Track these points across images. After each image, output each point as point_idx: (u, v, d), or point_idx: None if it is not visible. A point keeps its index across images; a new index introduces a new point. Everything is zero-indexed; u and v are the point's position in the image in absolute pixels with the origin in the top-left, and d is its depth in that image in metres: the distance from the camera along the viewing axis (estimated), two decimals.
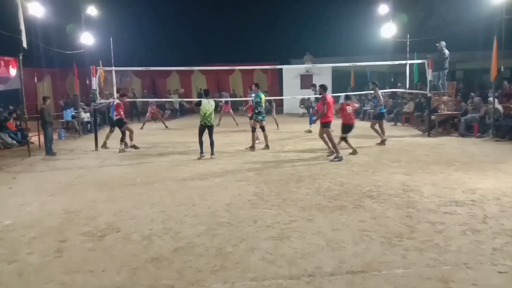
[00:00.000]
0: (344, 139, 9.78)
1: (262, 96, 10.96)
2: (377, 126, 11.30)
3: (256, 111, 10.72)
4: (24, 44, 10.41)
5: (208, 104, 9.61)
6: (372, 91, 11.83)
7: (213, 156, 9.63)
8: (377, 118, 11.51)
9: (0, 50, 12.28)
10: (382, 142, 11.03)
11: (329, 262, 4.04)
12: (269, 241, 4.58)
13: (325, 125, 9.27)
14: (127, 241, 4.72)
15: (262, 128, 10.83)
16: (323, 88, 9.47)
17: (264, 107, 11.00)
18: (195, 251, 4.37)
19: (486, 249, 4.24)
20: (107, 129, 16.99)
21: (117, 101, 11.46)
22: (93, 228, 5.16)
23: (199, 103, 9.69)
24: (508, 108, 11.94)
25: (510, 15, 11.38)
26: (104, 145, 11.68)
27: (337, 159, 8.99)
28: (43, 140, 11.26)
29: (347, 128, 9.76)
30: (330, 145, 9.38)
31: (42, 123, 10.96)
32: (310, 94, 18.45)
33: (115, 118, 11.26)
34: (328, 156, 9.48)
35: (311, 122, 13.52)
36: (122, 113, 11.22)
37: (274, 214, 5.52)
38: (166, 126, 17.15)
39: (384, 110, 12.01)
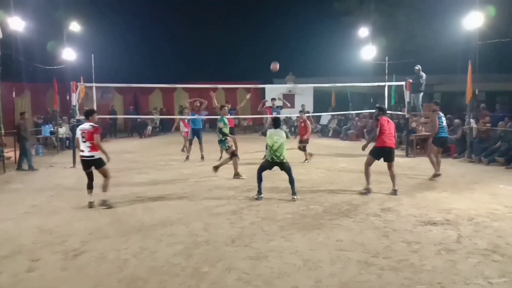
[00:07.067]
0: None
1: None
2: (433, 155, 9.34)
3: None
4: None
5: (275, 135, 7.45)
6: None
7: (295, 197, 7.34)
8: (437, 144, 9.31)
9: None
10: (435, 176, 9.13)
11: (305, 282, 4.04)
12: (246, 261, 4.56)
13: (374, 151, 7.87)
14: (101, 260, 4.63)
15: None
16: (380, 109, 8.10)
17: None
18: (170, 271, 4.32)
19: (460, 269, 4.30)
20: None
21: (88, 125, 6.91)
22: (67, 247, 5.05)
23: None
24: (481, 130, 12.30)
25: (483, 41, 11.83)
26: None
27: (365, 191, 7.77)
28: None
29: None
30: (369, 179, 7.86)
31: (18, 138, 10.84)
32: (292, 113, 18.68)
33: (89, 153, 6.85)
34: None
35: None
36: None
37: (253, 233, 5.50)
38: None
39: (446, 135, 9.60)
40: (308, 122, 12.00)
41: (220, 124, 9.39)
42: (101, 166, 6.92)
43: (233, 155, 9.35)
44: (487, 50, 13.54)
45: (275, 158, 7.39)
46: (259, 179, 7.46)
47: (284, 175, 7.52)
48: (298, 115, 12.37)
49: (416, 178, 9.25)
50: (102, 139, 14.54)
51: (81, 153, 6.92)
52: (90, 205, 6.90)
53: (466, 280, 4.05)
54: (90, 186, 6.98)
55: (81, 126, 7.03)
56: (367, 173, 7.83)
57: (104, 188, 6.93)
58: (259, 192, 7.42)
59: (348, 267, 4.37)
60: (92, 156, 6.85)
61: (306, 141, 11.77)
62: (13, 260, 4.67)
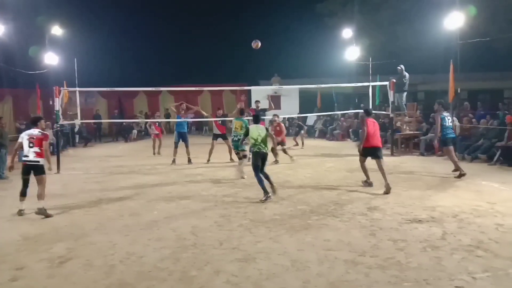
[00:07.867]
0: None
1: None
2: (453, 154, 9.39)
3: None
4: None
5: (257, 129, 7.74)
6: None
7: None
8: (448, 145, 9.34)
9: None
10: (460, 175, 9.05)
11: (293, 282, 4.05)
12: (234, 263, 4.55)
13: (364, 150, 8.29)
14: (88, 267, 4.58)
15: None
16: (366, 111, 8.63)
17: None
18: (158, 276, 4.29)
19: (445, 265, 4.37)
20: (70, 151, 16.68)
21: (37, 131, 6.98)
22: (53, 254, 4.97)
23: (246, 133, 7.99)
24: (463, 128, 12.51)
25: (464, 41, 12.05)
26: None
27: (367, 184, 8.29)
28: None
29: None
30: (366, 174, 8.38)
31: None
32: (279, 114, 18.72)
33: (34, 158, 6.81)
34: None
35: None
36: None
37: (241, 235, 5.50)
38: None
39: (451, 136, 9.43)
40: (283, 125, 12.20)
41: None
42: (42, 173, 6.85)
43: (243, 157, 9.57)
44: (468, 50, 13.78)
45: (261, 148, 7.60)
46: (260, 181, 7.47)
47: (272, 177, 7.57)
48: (271, 118, 12.47)
49: (401, 177, 9.35)
50: (86, 144, 14.56)
51: (25, 158, 6.82)
52: (20, 213, 6.75)
53: (451, 276, 4.11)
54: (24, 194, 6.87)
55: (28, 132, 7.01)
56: (363, 169, 8.39)
57: (40, 196, 6.71)
58: (265, 192, 7.39)
59: (336, 266, 4.41)
60: (37, 162, 6.80)
61: (283, 144, 11.93)
62: None
